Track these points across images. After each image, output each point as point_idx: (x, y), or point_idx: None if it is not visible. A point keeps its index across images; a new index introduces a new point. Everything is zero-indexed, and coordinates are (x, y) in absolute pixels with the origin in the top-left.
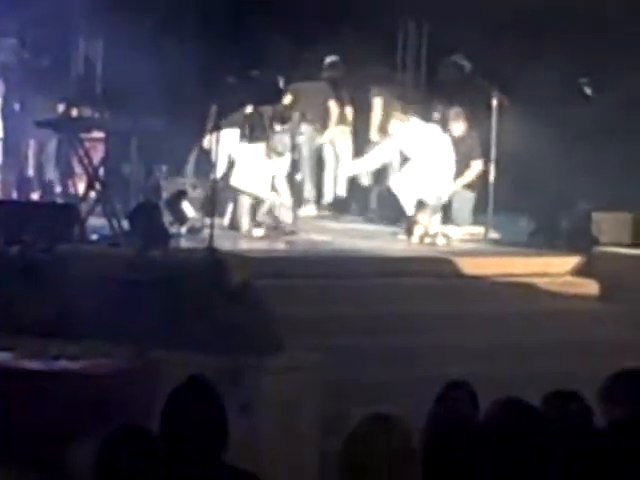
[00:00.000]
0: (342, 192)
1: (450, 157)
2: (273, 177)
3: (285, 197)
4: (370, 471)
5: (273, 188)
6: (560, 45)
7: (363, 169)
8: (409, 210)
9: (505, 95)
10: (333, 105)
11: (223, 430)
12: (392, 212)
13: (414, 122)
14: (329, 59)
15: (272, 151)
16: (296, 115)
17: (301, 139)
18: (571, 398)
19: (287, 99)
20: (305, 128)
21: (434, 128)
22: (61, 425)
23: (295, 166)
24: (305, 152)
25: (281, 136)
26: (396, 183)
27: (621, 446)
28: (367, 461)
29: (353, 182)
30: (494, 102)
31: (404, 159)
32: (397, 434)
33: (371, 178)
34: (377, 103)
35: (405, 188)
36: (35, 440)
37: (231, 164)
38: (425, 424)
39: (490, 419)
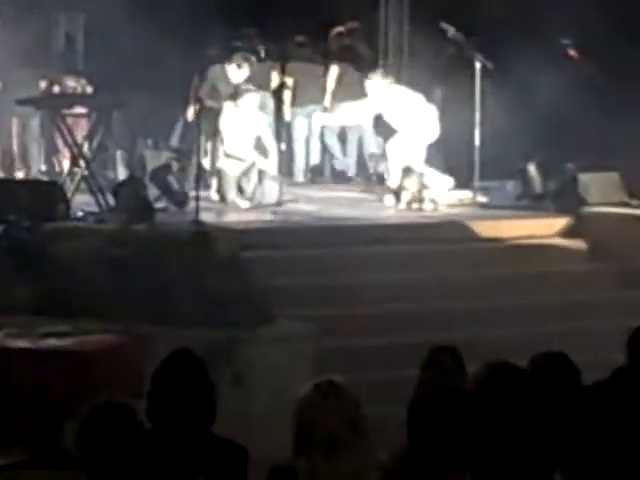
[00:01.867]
0: (316, 159)
1: (436, 126)
2: (258, 138)
3: (272, 160)
4: (318, 435)
5: (260, 150)
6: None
7: (335, 122)
8: (396, 176)
9: (488, 59)
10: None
11: (211, 402)
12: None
13: (397, 88)
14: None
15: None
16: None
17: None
18: (557, 359)
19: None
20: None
21: (418, 96)
22: (52, 402)
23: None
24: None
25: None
26: (391, 149)
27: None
28: (315, 426)
29: (325, 149)
30: (477, 66)
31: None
32: (346, 400)
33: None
34: (333, 70)
35: (396, 155)
36: (29, 418)
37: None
38: (413, 389)
39: (478, 383)
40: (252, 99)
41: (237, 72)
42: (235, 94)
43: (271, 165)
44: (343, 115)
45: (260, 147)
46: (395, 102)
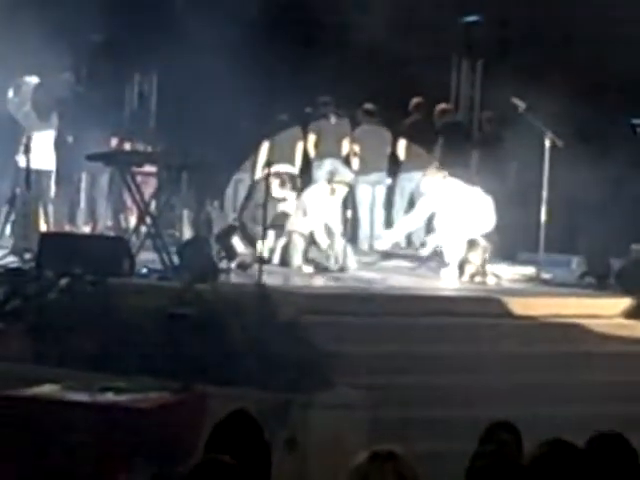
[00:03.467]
0: (380, 228)
1: (492, 217)
2: (329, 216)
3: (338, 237)
4: None
5: (328, 229)
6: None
7: (401, 235)
8: (454, 251)
9: (558, 136)
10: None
11: (266, 464)
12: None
13: (452, 181)
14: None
15: (338, 182)
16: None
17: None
18: (615, 440)
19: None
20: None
21: (474, 189)
22: (109, 458)
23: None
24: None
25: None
26: (441, 238)
27: None
28: None
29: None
30: (547, 142)
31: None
32: (403, 471)
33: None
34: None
35: (451, 242)
36: (84, 473)
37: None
38: (470, 462)
39: (535, 460)
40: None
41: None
42: (332, 176)
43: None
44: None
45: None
46: (450, 196)
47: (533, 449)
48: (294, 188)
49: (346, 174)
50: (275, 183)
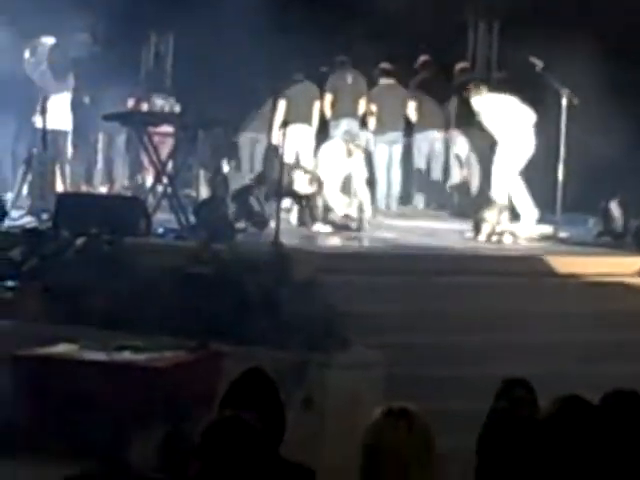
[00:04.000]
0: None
1: (532, 137)
2: (349, 177)
3: (364, 199)
4: (387, 462)
5: (350, 189)
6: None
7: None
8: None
9: (575, 94)
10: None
11: (281, 423)
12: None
13: (497, 96)
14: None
15: (355, 146)
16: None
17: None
18: (630, 398)
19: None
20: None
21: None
22: (124, 416)
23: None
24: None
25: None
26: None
27: None
28: (384, 452)
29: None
30: (564, 101)
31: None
32: (417, 428)
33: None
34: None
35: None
36: (100, 431)
37: (297, 160)
38: (485, 420)
39: (550, 416)
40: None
41: None
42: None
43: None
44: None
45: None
46: (498, 109)
47: (548, 405)
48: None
49: (362, 138)
50: (303, 179)
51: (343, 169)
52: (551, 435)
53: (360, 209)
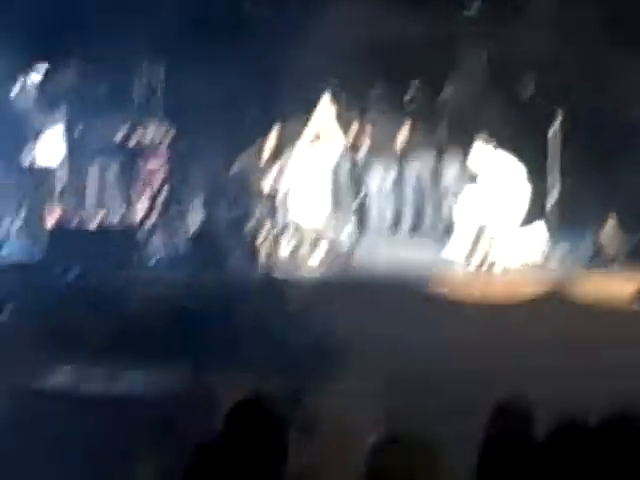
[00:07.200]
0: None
1: (524, 187)
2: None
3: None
4: None
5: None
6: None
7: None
8: (463, 237)
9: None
10: None
11: (282, 449)
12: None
13: (499, 152)
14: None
15: None
16: None
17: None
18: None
19: None
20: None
21: (509, 156)
22: (121, 449)
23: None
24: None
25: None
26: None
27: None
28: (385, 476)
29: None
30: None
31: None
32: (419, 452)
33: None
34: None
35: (466, 214)
36: (97, 464)
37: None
38: (483, 440)
39: (546, 436)
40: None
41: None
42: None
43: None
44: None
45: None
46: (487, 160)
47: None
48: None
49: None
50: None
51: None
52: (550, 456)
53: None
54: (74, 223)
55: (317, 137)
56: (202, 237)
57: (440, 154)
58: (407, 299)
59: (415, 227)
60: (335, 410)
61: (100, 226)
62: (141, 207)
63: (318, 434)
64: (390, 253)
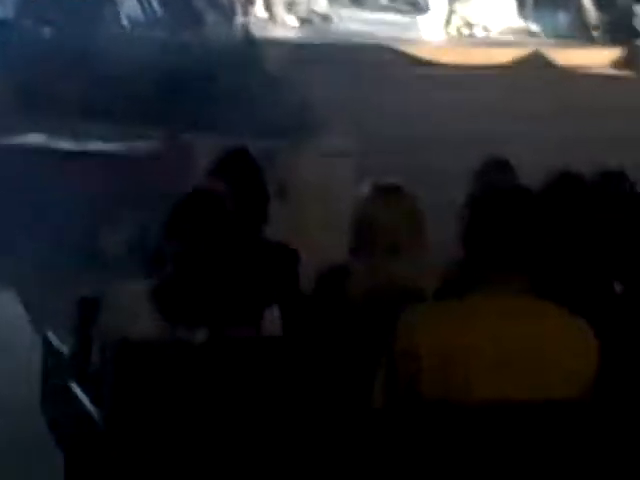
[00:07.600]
0: None
1: None
2: None
3: None
4: (377, 234)
5: None
6: None
7: None
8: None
9: None
10: None
11: (263, 203)
12: None
13: None
14: None
15: None
16: None
17: None
18: (617, 176)
19: None
20: None
21: None
22: (94, 206)
23: None
24: None
25: None
26: None
27: None
28: (375, 225)
29: None
30: None
31: None
32: (406, 199)
33: None
34: None
35: None
36: (69, 221)
37: None
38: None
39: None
40: None
41: None
42: None
43: None
44: None
45: None
46: None
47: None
48: None
49: None
50: None
51: None
52: (545, 206)
53: None
54: None
55: None
56: None
57: None
58: (386, 63)
59: None
60: (311, 171)
61: None
62: None
63: (295, 193)
64: (369, 17)
